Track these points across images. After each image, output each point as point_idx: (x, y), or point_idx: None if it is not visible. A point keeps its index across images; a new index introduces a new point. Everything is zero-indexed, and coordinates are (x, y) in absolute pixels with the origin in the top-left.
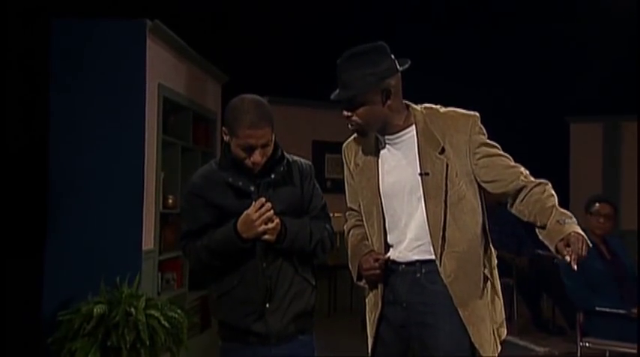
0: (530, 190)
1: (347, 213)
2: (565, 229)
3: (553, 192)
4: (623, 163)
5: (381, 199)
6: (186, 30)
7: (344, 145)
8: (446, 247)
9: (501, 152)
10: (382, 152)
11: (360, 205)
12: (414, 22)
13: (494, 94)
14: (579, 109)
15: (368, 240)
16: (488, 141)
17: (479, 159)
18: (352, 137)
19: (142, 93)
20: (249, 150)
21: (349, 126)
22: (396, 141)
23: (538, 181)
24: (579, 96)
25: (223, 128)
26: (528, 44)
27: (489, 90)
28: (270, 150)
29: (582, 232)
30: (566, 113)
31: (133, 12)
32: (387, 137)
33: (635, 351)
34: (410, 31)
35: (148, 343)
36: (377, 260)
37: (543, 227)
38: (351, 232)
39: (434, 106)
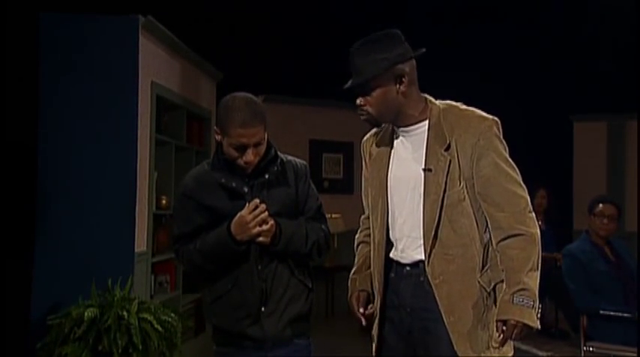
0: (511, 238)
1: (362, 218)
2: (510, 312)
3: (532, 251)
4: (627, 162)
5: (387, 191)
6: (179, 26)
7: (363, 139)
8: (436, 248)
9: (510, 171)
10: (396, 144)
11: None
12: (414, 22)
13: (498, 93)
14: (583, 107)
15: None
16: (502, 152)
17: (483, 167)
18: (372, 131)
19: (135, 91)
20: (242, 149)
21: (361, 116)
22: (410, 134)
23: (524, 230)
24: (583, 95)
25: (215, 128)
26: (532, 42)
27: (493, 88)
28: (263, 149)
29: (527, 318)
30: (570, 112)
31: (125, 7)
32: (401, 129)
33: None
34: (412, 30)
35: (140, 347)
36: (360, 307)
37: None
38: (359, 248)
39: (455, 103)
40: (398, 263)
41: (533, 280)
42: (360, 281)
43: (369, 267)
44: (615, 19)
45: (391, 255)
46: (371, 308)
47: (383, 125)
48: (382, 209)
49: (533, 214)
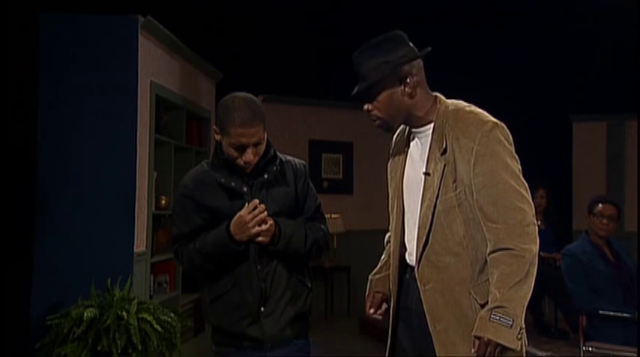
0: (500, 251)
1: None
2: (484, 329)
3: (519, 268)
4: (627, 162)
5: (402, 193)
6: (179, 26)
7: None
8: (426, 253)
9: (511, 181)
10: (411, 145)
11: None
12: (413, 21)
13: (497, 92)
14: (583, 107)
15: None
16: (504, 158)
17: (478, 175)
18: (398, 130)
19: (134, 91)
20: (241, 149)
21: (374, 123)
22: (421, 135)
23: (515, 244)
24: (583, 94)
25: (214, 127)
26: (531, 41)
27: (492, 88)
28: (262, 149)
29: (501, 338)
30: (570, 112)
31: (125, 7)
32: (413, 130)
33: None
34: (411, 29)
35: (140, 347)
36: (371, 307)
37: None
38: (386, 247)
39: (463, 104)
40: (409, 265)
41: (516, 299)
42: (377, 282)
43: (390, 267)
44: (615, 18)
45: (406, 257)
46: (385, 309)
47: (402, 127)
48: (397, 211)
49: (534, 228)
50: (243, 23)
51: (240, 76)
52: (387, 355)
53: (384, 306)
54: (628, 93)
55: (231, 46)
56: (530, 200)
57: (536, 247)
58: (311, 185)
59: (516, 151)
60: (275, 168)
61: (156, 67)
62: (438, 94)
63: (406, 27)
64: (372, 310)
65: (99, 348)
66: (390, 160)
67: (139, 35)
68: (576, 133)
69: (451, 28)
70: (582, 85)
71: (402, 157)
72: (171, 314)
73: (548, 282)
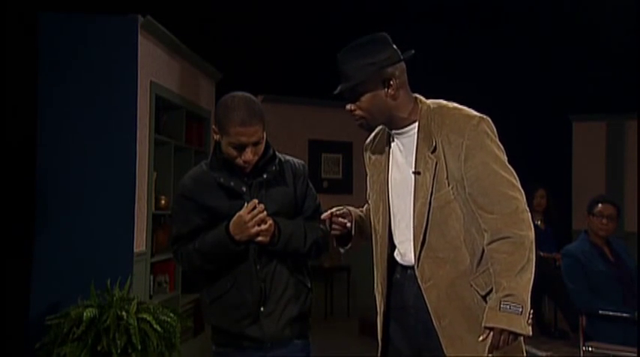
0: (499, 241)
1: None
2: (496, 319)
3: (521, 255)
4: (626, 162)
5: (388, 195)
6: (179, 26)
7: (365, 142)
8: (425, 251)
9: (501, 171)
10: (393, 147)
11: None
12: (413, 20)
13: (496, 92)
14: (583, 107)
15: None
16: (493, 151)
17: (470, 168)
18: (371, 136)
19: (134, 91)
20: (241, 148)
21: (355, 122)
22: (403, 136)
23: (513, 232)
24: (583, 94)
25: (213, 127)
26: (531, 41)
27: (491, 88)
28: (261, 148)
29: (514, 326)
30: (570, 112)
31: (124, 7)
32: (394, 131)
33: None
34: (409, 29)
35: (139, 347)
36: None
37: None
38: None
39: (444, 102)
40: (402, 265)
41: (522, 285)
42: (347, 208)
43: (365, 215)
44: (615, 18)
45: (395, 257)
46: (348, 222)
47: (379, 128)
48: (384, 213)
49: (528, 215)
50: (243, 23)
51: (239, 76)
52: (379, 355)
53: (347, 224)
54: (628, 93)
55: (231, 46)
56: (521, 188)
57: (532, 233)
58: (310, 185)
59: (516, 151)
60: (274, 168)
61: (155, 67)
62: (417, 95)
63: (408, 28)
64: (337, 211)
65: (99, 348)
66: (369, 165)
67: (139, 35)
68: (576, 133)
69: (451, 29)
70: (582, 85)
71: (383, 160)
72: (171, 314)
73: (548, 282)
